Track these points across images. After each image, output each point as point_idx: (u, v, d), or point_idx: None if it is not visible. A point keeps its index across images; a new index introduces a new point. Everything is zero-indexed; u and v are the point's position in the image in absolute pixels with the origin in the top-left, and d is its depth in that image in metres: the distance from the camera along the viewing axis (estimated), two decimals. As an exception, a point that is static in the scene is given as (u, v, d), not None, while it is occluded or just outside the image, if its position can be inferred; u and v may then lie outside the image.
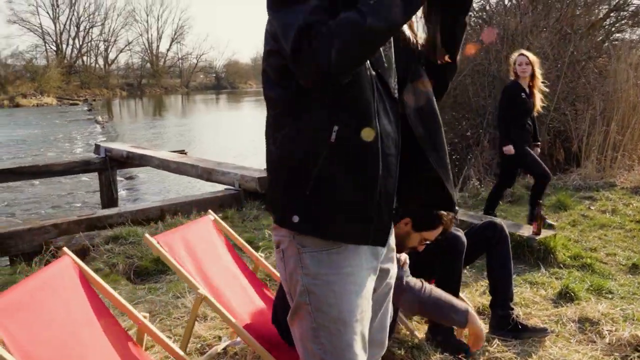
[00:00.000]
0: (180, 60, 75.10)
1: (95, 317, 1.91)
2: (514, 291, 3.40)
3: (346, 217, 1.32)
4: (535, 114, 5.34)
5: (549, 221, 5.25)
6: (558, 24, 9.95)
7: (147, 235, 2.48)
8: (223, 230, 2.97)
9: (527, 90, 5.14)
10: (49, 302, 1.80)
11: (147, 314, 2.15)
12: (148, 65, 68.83)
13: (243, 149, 17.44)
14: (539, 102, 5.20)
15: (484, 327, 2.04)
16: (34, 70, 49.62)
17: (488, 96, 9.47)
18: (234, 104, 50.80)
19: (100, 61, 64.23)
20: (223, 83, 78.37)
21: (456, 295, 2.86)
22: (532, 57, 5.16)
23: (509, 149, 5.15)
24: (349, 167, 1.30)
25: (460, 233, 2.78)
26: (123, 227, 5.52)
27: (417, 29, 1.51)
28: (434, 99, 1.51)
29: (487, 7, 10.98)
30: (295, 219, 1.33)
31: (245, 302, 2.63)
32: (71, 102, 47.04)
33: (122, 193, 12.26)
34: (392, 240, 1.57)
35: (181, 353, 2.07)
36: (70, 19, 61.14)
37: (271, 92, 1.37)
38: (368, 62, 1.30)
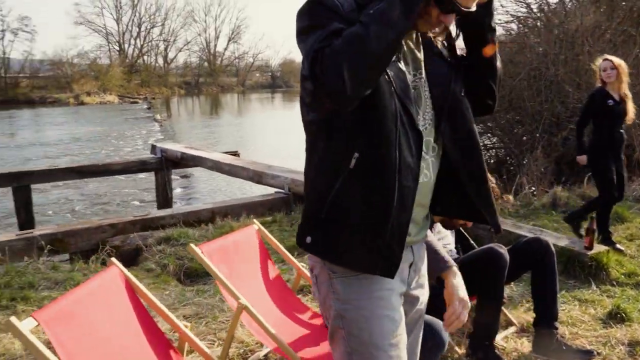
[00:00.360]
0: (236, 59, 76.40)
1: (138, 325, 1.99)
2: (560, 308, 3.33)
3: (355, 245, 1.33)
4: (629, 122, 4.89)
5: (619, 246, 4.83)
6: (622, 24, 9.59)
7: (192, 245, 2.56)
8: (266, 239, 3.02)
9: (617, 96, 4.73)
10: (96, 311, 1.89)
11: (189, 324, 2.23)
12: (205, 64, 70.28)
13: (295, 149, 17.59)
14: (631, 109, 4.78)
15: (464, 295, 1.62)
16: (97, 70, 51.47)
17: (545, 101, 9.23)
18: (288, 103, 51.19)
19: (160, 60, 66.02)
20: (278, 82, 79.17)
21: (497, 311, 2.82)
22: (616, 61, 4.75)
23: (582, 159, 4.95)
24: (364, 195, 1.31)
25: (503, 250, 2.75)
26: (175, 228, 5.70)
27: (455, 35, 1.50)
28: (475, 131, 1.50)
29: (546, 8, 10.71)
30: (309, 239, 1.37)
31: (282, 314, 2.68)
32: (132, 100, 48.55)
33: (177, 191, 12.62)
34: (423, 267, 1.57)
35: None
36: (132, 20, 63.11)
37: (307, 116, 1.41)
38: (395, 92, 1.32)
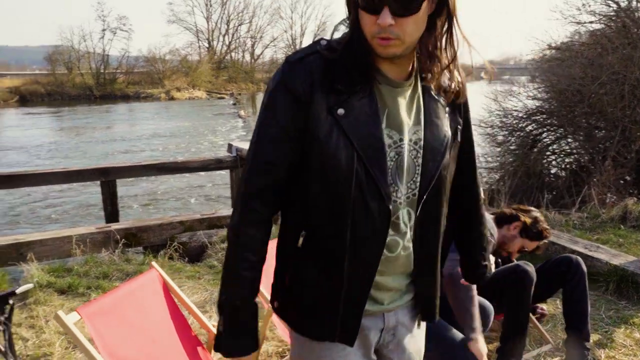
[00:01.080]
0: (321, 56, 77.02)
1: (171, 323, 2.24)
2: (603, 329, 3.32)
3: (311, 315, 1.34)
4: None
5: None
6: None
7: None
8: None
9: None
10: (133, 309, 2.16)
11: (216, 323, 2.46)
12: (291, 60, 71.37)
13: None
14: None
15: (485, 351, 2.25)
16: (187, 66, 53.67)
17: (627, 106, 8.84)
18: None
19: (247, 57, 67.89)
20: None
21: (524, 328, 2.87)
22: None
23: None
24: (317, 270, 1.31)
25: (530, 267, 2.79)
26: (239, 227, 6.00)
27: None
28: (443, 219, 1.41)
29: (634, 5, 10.18)
30: (276, 304, 1.43)
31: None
32: (219, 95, 50.32)
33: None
34: (409, 330, 1.49)
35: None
36: (221, 17, 65.26)
37: None
38: (357, 158, 1.22)
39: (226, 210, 6.69)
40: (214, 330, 2.37)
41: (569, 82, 9.76)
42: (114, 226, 5.81)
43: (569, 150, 10.32)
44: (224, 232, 5.86)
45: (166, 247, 5.44)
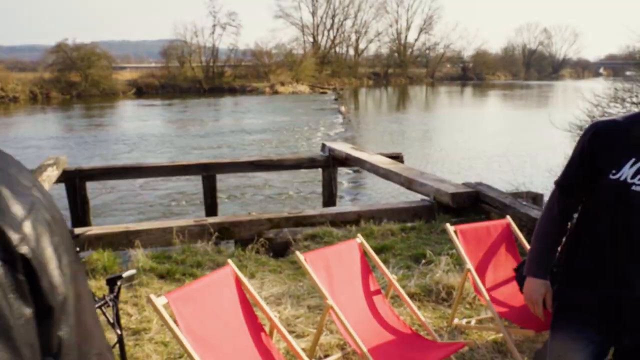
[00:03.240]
0: (427, 50, 76.28)
1: (240, 312, 2.70)
2: None
3: None
4: None
5: None
6: None
7: (297, 252, 3.22)
8: (366, 251, 3.58)
9: None
10: (211, 298, 2.64)
11: (278, 314, 2.91)
12: (395, 55, 71.25)
13: (467, 155, 17.62)
14: None
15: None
16: (292, 60, 55.17)
17: None
18: (478, 97, 50.03)
19: (351, 51, 68.56)
20: (469, 74, 77.55)
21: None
22: None
23: None
24: None
25: None
26: (322, 226, 6.46)
27: None
28: None
29: None
30: None
31: (367, 318, 3.24)
32: (321, 90, 51.34)
33: (345, 186, 13.57)
34: None
35: (298, 349, 2.77)
36: (327, 12, 66.34)
37: None
38: None
39: (312, 210, 7.15)
40: (276, 321, 2.81)
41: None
42: (210, 220, 6.45)
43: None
44: (307, 230, 6.33)
45: (254, 242, 5.98)
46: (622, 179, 1.70)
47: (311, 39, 65.88)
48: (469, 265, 3.65)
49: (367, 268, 3.52)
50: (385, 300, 3.51)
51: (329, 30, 66.66)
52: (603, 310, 1.78)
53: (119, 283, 3.12)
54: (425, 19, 74.38)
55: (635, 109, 11.07)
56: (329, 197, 10.54)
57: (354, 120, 30.02)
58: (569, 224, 2.01)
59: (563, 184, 1.95)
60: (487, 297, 3.52)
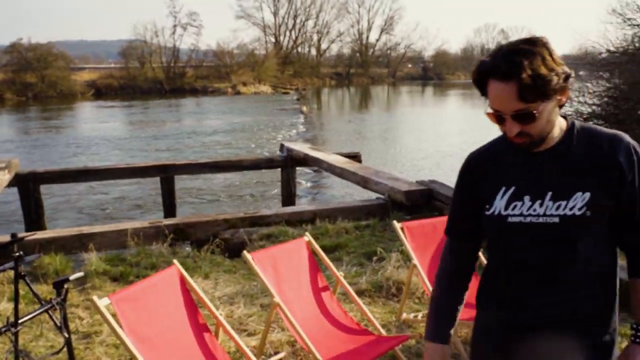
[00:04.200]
0: (388, 51, 77.02)
1: (185, 312, 2.75)
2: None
3: None
4: None
5: None
6: None
7: (245, 252, 3.28)
8: (314, 250, 3.66)
9: None
10: (155, 298, 2.67)
11: (223, 313, 2.96)
12: (357, 55, 71.74)
13: (424, 153, 17.93)
14: None
15: None
16: (254, 61, 55.01)
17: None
18: (439, 97, 50.73)
19: (313, 51, 68.76)
20: (429, 74, 78.62)
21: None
22: None
23: None
24: None
25: None
26: (278, 226, 6.51)
27: None
28: None
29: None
30: None
31: (314, 314, 3.31)
32: (283, 90, 51.33)
33: (305, 186, 13.65)
34: None
35: (244, 347, 2.82)
36: (288, 12, 66.38)
37: None
38: None
39: (267, 210, 7.19)
40: (222, 320, 2.86)
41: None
42: (165, 221, 6.44)
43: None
44: (263, 230, 6.38)
45: (209, 242, 5.99)
46: (496, 213, 1.60)
47: (273, 39, 65.85)
48: (415, 260, 3.76)
49: (315, 266, 3.59)
50: (333, 297, 3.59)
51: (290, 31, 66.80)
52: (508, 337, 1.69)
53: (66, 286, 3.12)
54: (386, 19, 75.14)
55: (582, 109, 11.47)
56: (288, 197, 10.59)
57: (315, 120, 30.15)
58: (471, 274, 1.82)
59: (452, 229, 1.80)
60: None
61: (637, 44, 11.19)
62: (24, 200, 9.04)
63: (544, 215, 1.56)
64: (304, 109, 34.25)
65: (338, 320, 3.42)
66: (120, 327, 2.46)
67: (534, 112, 1.46)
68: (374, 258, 5.45)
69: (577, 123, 1.62)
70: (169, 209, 9.76)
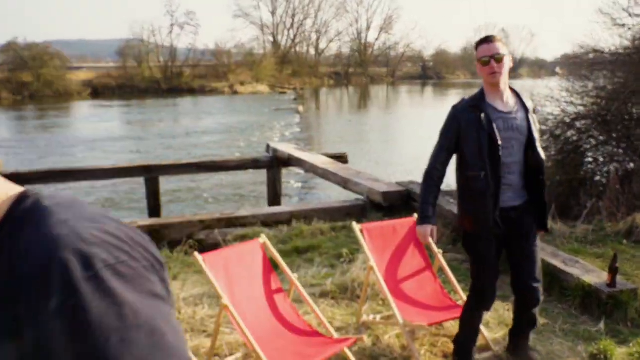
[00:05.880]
0: (387, 50, 76.93)
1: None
2: (549, 341, 3.62)
3: None
4: None
5: None
6: None
7: (195, 254, 3.30)
8: (268, 252, 3.67)
9: None
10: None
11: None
12: (356, 54, 71.63)
13: (423, 154, 17.87)
14: None
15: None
16: (252, 60, 54.95)
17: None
18: (438, 96, 50.55)
19: (312, 51, 68.67)
20: (429, 73, 78.52)
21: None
22: None
23: None
24: None
25: None
26: (253, 227, 6.52)
27: None
28: None
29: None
30: None
31: (266, 317, 3.33)
32: (281, 90, 51.30)
33: (295, 186, 13.65)
34: None
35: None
36: (287, 11, 66.29)
37: None
38: None
39: (244, 211, 7.21)
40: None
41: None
42: (140, 222, 6.47)
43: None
44: (239, 231, 6.39)
45: (183, 243, 6.01)
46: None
47: (271, 39, 65.76)
48: (372, 262, 3.78)
49: (269, 268, 3.60)
50: (287, 299, 3.60)
51: (289, 30, 66.70)
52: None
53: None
54: (385, 18, 75.04)
55: (570, 109, 11.47)
56: (274, 198, 10.60)
57: (312, 120, 30.15)
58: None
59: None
60: (388, 293, 3.65)
61: (624, 44, 11.20)
62: (7, 200, 9.05)
63: None
64: (300, 108, 34.25)
65: (289, 323, 3.43)
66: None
67: None
68: (341, 260, 5.46)
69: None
70: (154, 210, 9.79)
